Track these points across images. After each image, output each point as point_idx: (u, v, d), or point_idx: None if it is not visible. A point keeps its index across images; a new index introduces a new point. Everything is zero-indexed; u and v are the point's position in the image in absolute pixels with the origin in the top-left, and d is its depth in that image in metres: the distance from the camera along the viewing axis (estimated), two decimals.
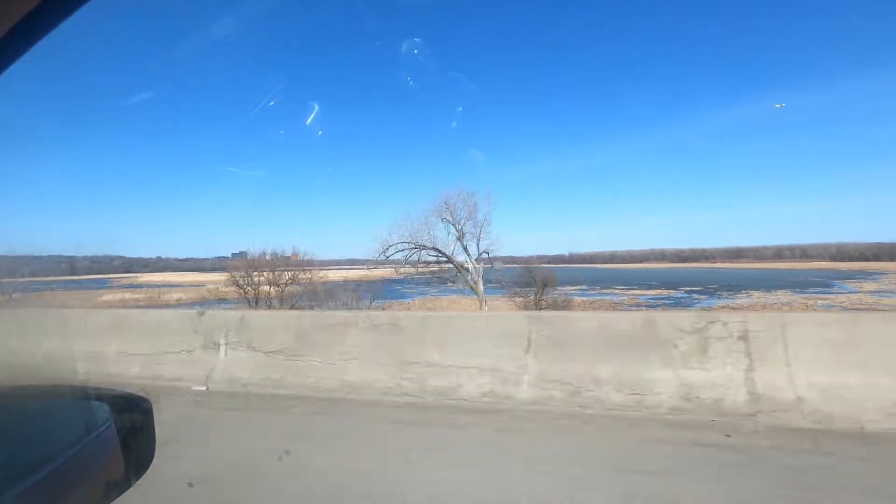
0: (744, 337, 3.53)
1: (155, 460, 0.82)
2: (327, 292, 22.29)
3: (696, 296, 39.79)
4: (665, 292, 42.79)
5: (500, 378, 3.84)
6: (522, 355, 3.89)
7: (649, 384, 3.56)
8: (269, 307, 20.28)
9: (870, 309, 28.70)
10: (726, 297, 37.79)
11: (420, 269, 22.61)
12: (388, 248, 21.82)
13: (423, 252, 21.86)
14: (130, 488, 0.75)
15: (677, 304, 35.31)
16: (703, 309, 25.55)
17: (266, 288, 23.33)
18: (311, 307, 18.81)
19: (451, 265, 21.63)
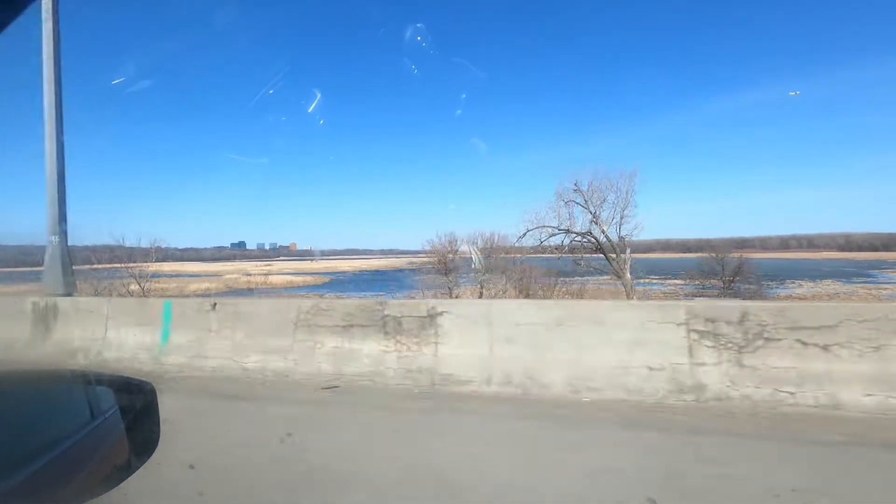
0: None
1: None
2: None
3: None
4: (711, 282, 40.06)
5: None
6: None
7: None
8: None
9: None
10: (785, 287, 34.92)
11: (555, 255, 19.90)
12: (525, 233, 19.21)
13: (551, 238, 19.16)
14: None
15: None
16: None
17: None
18: None
19: (599, 253, 19.08)
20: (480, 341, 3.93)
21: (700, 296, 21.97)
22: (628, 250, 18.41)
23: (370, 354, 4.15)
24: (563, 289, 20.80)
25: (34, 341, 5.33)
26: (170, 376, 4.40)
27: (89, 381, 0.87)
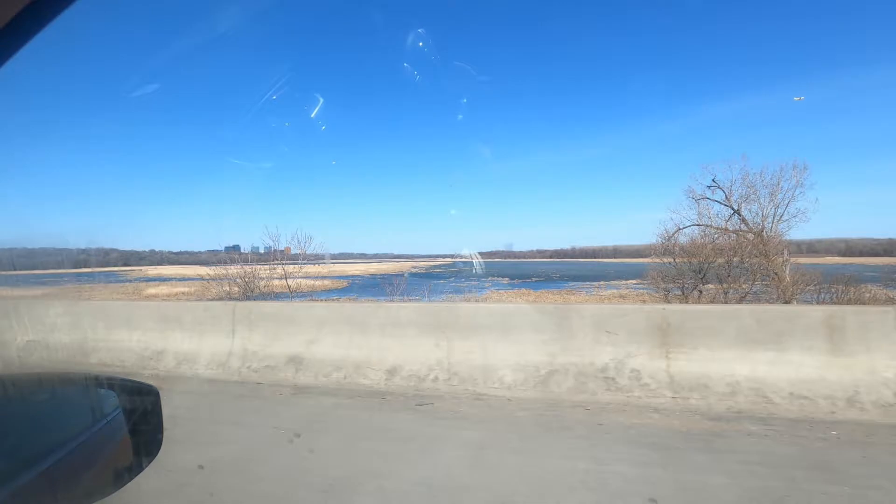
0: None
1: None
2: None
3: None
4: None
5: None
6: None
7: None
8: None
9: None
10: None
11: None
12: (674, 233, 16.95)
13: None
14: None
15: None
16: None
17: None
18: None
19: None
20: None
21: None
22: (786, 251, 16.52)
23: None
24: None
25: None
26: None
27: (93, 383, 0.87)
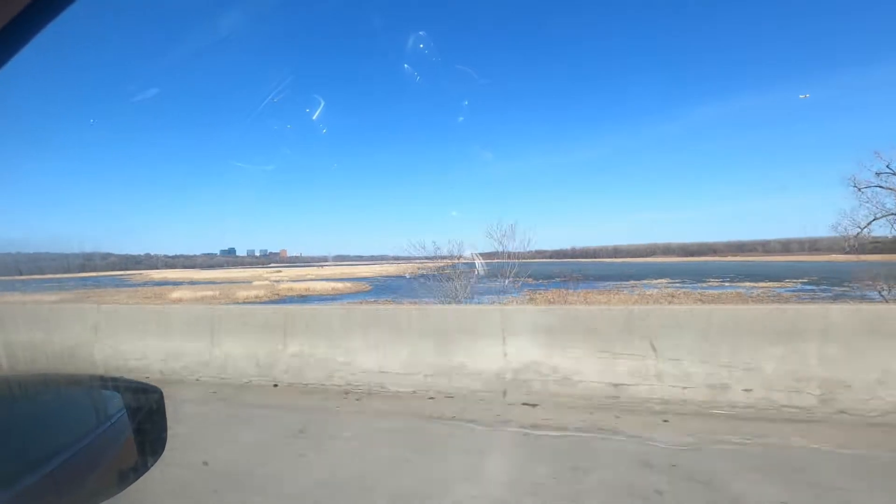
0: None
1: None
2: None
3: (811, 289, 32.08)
4: (773, 284, 35.66)
5: None
6: None
7: None
8: None
9: None
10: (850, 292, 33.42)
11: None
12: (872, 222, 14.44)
13: None
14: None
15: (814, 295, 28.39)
16: None
17: None
18: None
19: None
20: None
21: None
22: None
23: None
24: None
25: None
26: None
27: (98, 385, 0.88)
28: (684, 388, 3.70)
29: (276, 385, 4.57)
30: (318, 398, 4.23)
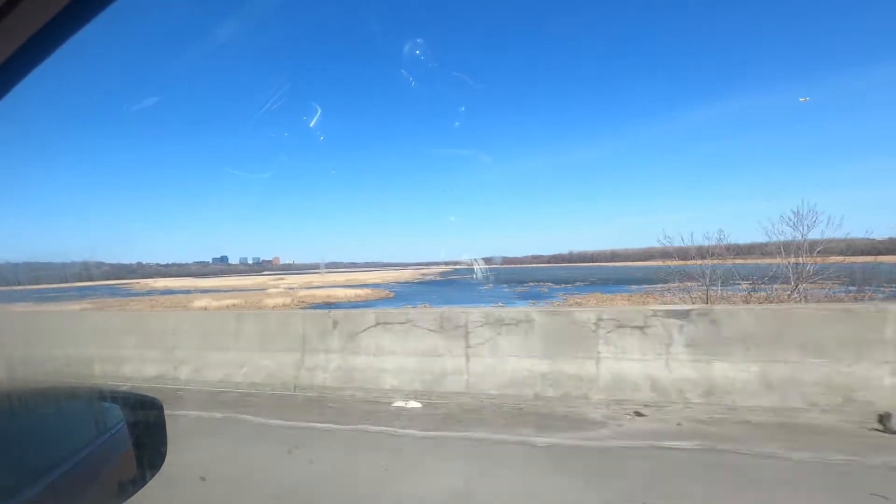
0: None
1: None
2: None
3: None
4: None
5: None
6: None
7: None
8: None
9: None
10: None
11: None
12: None
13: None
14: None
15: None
16: None
17: None
18: None
19: None
20: None
21: None
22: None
23: None
24: None
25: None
26: None
27: (97, 396, 0.88)
28: None
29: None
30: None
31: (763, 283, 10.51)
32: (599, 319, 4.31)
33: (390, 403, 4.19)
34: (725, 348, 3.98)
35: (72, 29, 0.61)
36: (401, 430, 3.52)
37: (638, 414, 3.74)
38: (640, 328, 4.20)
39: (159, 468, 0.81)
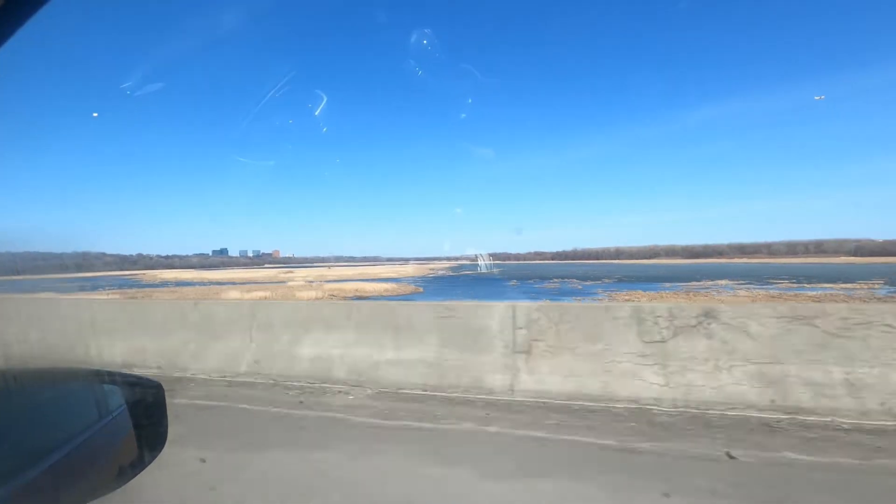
0: None
1: None
2: None
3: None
4: (853, 286, 35.61)
5: None
6: None
7: None
8: None
9: None
10: None
11: None
12: None
13: None
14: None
15: None
16: None
17: None
18: None
19: None
20: None
21: None
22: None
23: None
24: None
25: None
26: None
27: (98, 379, 0.88)
28: None
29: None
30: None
31: None
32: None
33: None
34: None
35: (74, 15, 0.60)
36: None
37: None
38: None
39: (160, 452, 0.80)
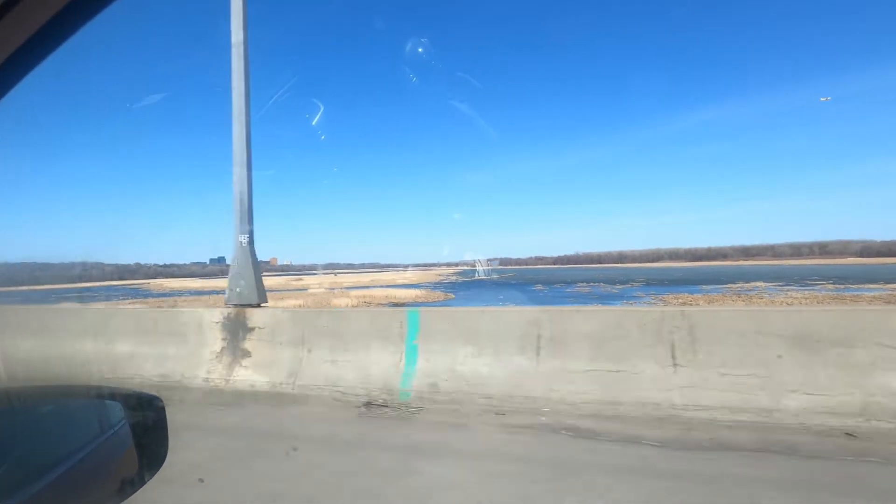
0: None
1: None
2: None
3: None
4: (865, 285, 34.18)
5: None
6: None
7: None
8: None
9: None
10: None
11: None
12: None
13: None
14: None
15: None
16: None
17: None
18: None
19: None
20: None
21: None
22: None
23: None
24: None
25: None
26: None
27: (98, 394, 0.88)
28: None
29: None
30: None
31: None
32: None
33: None
34: None
35: (73, 27, 0.61)
36: None
37: None
38: None
39: (160, 468, 0.80)
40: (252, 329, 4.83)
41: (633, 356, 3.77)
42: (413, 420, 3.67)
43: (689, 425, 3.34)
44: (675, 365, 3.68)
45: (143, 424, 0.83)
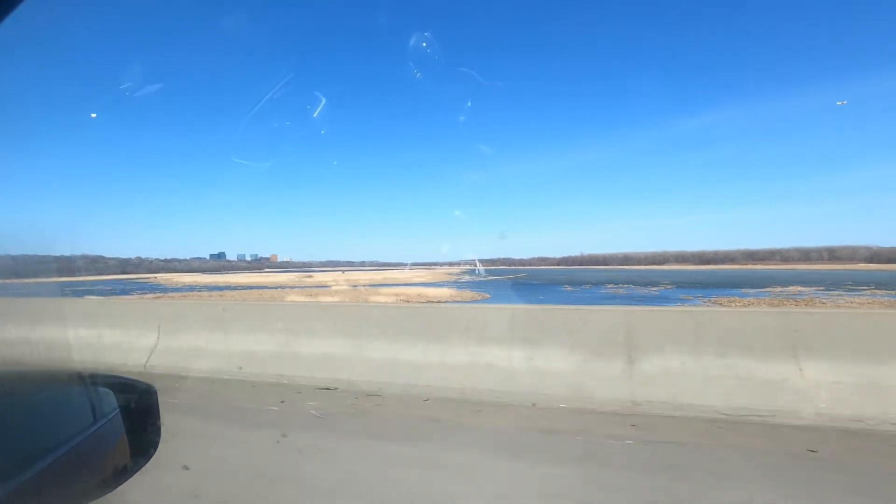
0: None
1: None
2: None
3: None
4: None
5: None
6: None
7: None
8: None
9: None
10: None
11: None
12: None
13: None
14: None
15: None
16: None
17: None
18: None
19: None
20: None
21: None
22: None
23: None
24: None
25: None
26: None
27: (91, 382, 0.88)
28: None
29: None
30: None
31: None
32: None
33: None
34: None
35: (72, 13, 0.61)
36: None
37: None
38: None
39: (153, 454, 0.80)
40: None
41: None
42: None
43: None
44: None
45: (137, 412, 0.83)
